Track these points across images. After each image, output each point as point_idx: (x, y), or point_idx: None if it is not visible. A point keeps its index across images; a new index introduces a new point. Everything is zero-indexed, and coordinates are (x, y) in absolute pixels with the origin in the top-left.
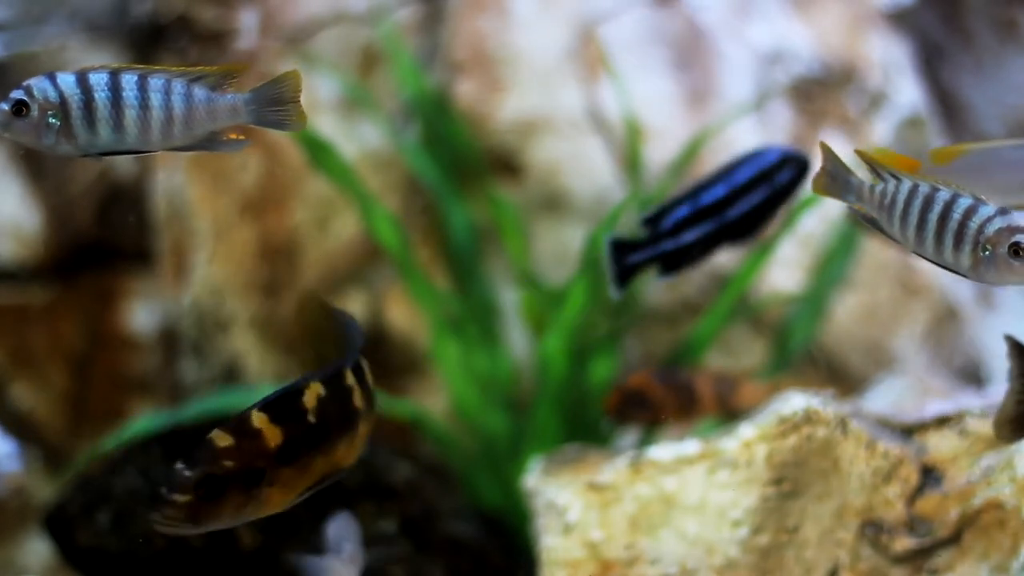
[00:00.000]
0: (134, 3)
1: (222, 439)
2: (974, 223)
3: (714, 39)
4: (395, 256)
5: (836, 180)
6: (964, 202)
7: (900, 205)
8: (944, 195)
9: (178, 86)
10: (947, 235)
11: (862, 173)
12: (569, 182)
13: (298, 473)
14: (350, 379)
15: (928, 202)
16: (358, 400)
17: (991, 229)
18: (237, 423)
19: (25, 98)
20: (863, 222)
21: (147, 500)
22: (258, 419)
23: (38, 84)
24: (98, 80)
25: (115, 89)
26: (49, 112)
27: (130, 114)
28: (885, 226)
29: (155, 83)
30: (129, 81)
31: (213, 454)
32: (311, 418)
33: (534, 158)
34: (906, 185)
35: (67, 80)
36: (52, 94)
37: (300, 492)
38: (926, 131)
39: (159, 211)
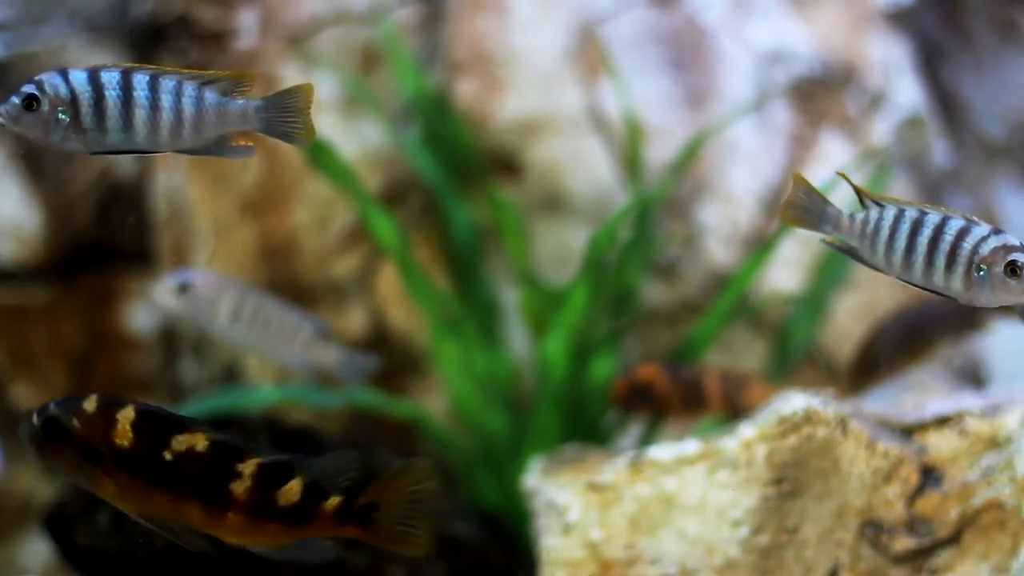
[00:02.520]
0: (134, 3)
1: (89, 403)
2: (968, 244)
3: (714, 39)
4: (395, 256)
5: (810, 211)
6: (956, 223)
7: (886, 231)
8: (934, 218)
9: (189, 88)
10: (938, 257)
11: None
12: (569, 182)
13: (134, 489)
14: (248, 469)
15: (917, 226)
16: (241, 490)
17: (986, 249)
18: (110, 400)
19: (36, 92)
20: (838, 251)
21: None
22: (123, 412)
23: (50, 79)
24: (110, 78)
25: (126, 88)
26: (59, 108)
27: (140, 114)
28: (866, 255)
29: (167, 84)
30: (140, 81)
31: (71, 408)
32: (167, 454)
33: (534, 158)
34: (891, 211)
35: (79, 77)
36: (63, 90)
37: (137, 511)
38: (926, 131)
39: (159, 211)
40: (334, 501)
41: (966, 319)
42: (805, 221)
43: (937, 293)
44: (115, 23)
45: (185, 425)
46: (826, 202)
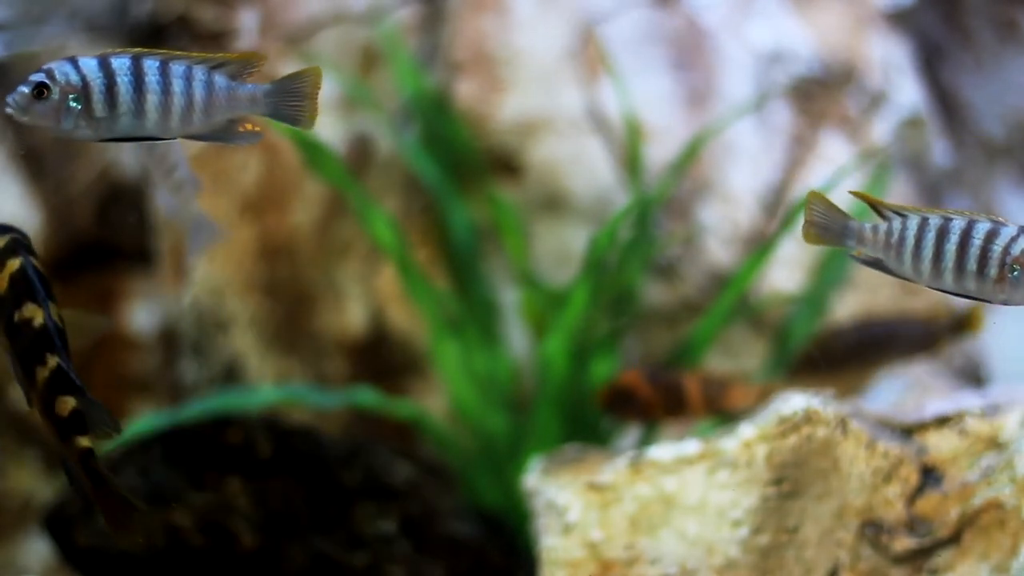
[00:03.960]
0: (134, 3)
1: (0, 240)
2: (998, 245)
3: (714, 39)
4: (394, 256)
5: (830, 228)
6: (983, 226)
7: (911, 241)
8: (960, 223)
9: (199, 73)
10: (969, 262)
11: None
12: (569, 182)
13: None
14: (51, 362)
15: (943, 232)
16: (39, 378)
17: (1018, 249)
18: (13, 246)
19: (46, 81)
20: (864, 265)
21: (147, 500)
22: (11, 263)
23: (60, 67)
24: (120, 64)
25: (137, 74)
26: (71, 95)
27: (152, 99)
28: (892, 265)
29: (177, 69)
30: (151, 66)
31: None
32: (16, 316)
33: (534, 158)
34: (914, 220)
35: (89, 64)
36: (74, 77)
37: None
38: (926, 131)
39: (159, 211)
40: (85, 442)
41: (927, 343)
42: (827, 238)
43: (970, 297)
44: (115, 23)
45: (38, 299)
46: (846, 217)
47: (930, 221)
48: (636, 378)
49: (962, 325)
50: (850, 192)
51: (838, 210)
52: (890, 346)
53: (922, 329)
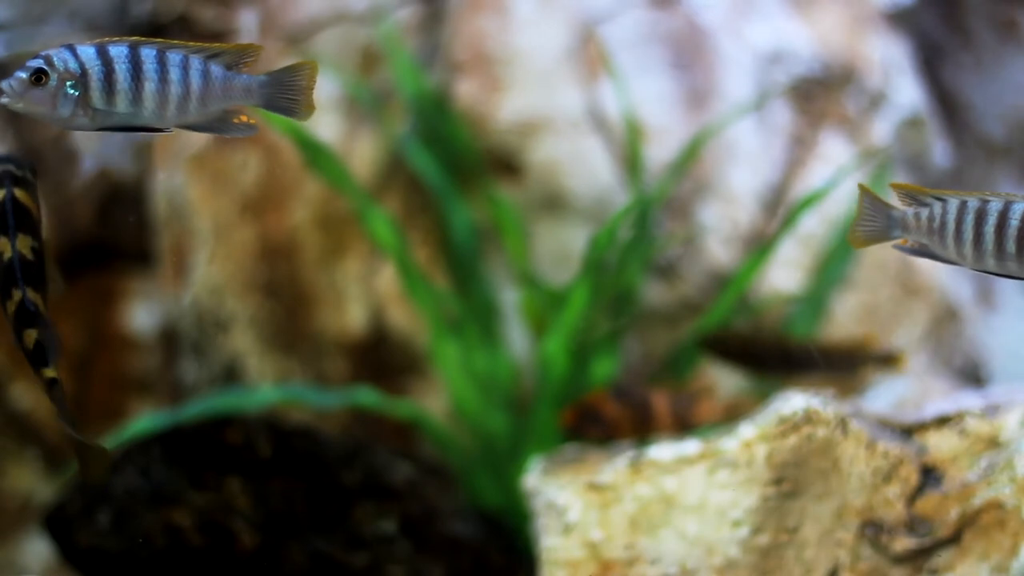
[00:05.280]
0: (134, 3)
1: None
2: None
3: (714, 39)
4: (394, 256)
5: (877, 223)
6: (1019, 207)
7: (951, 225)
8: (996, 205)
9: (196, 62)
10: (1008, 243)
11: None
12: (569, 182)
13: None
14: (16, 296)
15: (981, 215)
16: (7, 312)
17: None
18: (3, 177)
19: (44, 67)
20: (911, 255)
21: (147, 500)
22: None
23: (58, 54)
24: (118, 52)
25: (135, 62)
26: (68, 82)
27: (149, 87)
28: (937, 250)
29: (174, 58)
30: (148, 55)
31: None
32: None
33: (534, 158)
34: (953, 204)
35: (87, 51)
36: (73, 64)
37: None
38: (926, 131)
39: (159, 211)
40: (49, 373)
41: (846, 370)
42: (874, 237)
43: (1015, 278)
44: (115, 23)
45: (8, 233)
46: (890, 207)
47: (968, 204)
48: (602, 397)
49: (887, 361)
50: (891, 185)
51: (882, 202)
52: (801, 369)
53: (845, 359)
